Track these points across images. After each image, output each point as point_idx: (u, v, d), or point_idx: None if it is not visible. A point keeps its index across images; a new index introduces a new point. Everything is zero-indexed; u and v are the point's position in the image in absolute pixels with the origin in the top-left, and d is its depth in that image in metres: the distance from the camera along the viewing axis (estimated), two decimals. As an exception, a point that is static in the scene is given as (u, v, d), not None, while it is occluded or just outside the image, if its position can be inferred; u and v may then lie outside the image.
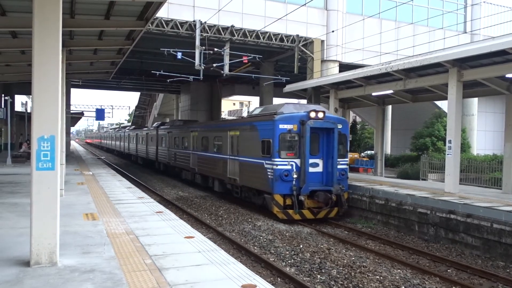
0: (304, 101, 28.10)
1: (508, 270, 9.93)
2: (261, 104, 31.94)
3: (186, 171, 24.96)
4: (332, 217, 14.80)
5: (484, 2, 31.44)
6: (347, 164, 15.67)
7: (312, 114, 14.27)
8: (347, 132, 15.71)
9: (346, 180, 15.44)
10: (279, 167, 14.16)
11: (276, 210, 14.20)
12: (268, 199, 14.72)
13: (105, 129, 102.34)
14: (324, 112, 14.61)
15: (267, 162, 14.63)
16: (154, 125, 36.49)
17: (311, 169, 14.43)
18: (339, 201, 14.54)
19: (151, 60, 31.74)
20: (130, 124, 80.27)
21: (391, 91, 17.91)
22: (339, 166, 14.76)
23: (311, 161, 14.43)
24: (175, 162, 27.04)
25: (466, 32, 31.08)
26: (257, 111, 17.76)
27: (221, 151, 19.14)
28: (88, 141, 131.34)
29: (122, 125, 78.08)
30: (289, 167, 14.23)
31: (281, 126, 14.25)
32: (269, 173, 14.46)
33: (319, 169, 14.78)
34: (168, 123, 33.89)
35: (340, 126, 14.82)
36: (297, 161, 14.30)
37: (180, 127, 27.11)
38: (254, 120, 16.35)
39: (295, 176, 14.19)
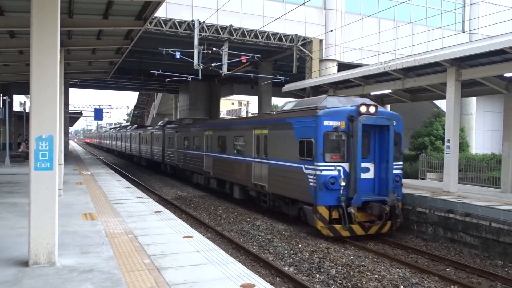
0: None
1: (506, 269, 9.95)
2: (259, 104, 31.93)
3: (198, 175, 22.29)
4: (385, 232, 12.51)
5: (482, 1, 31.47)
6: (401, 169, 13.24)
7: (363, 109, 12.02)
8: (401, 130, 13.22)
9: (401, 188, 13.01)
10: (323, 172, 11.82)
11: (320, 225, 11.87)
12: (308, 212, 12.43)
13: (103, 128, 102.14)
14: (376, 106, 12.41)
15: (307, 166, 12.33)
16: (159, 123, 34.60)
17: (362, 175, 12.10)
18: (392, 213, 12.17)
19: (150, 59, 31.71)
20: (129, 124, 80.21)
21: (389, 91, 17.91)
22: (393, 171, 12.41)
23: (362, 165, 12.11)
24: (185, 165, 24.48)
25: (464, 32, 31.11)
26: (288, 106, 14.99)
27: (244, 153, 16.76)
28: (87, 141, 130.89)
29: (122, 125, 77.87)
30: (336, 172, 11.89)
31: (326, 123, 11.94)
32: (310, 180, 12.14)
33: (370, 175, 12.44)
34: (175, 121, 31.05)
35: (394, 123, 12.47)
36: (345, 165, 12.02)
37: (191, 125, 24.48)
38: (288, 116, 13.79)
39: (343, 183, 11.88)
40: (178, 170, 26.47)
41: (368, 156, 12.47)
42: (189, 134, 24.10)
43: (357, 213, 11.86)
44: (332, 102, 12.94)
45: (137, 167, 36.70)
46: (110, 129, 79.75)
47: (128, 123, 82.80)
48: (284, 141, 13.75)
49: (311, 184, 12.12)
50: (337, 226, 11.82)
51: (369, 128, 12.34)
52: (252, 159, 15.94)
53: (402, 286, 8.52)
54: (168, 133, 28.73)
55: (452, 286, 8.74)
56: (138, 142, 38.32)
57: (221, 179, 19.33)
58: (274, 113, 16.52)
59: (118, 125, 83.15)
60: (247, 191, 16.89)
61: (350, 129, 11.99)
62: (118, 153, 53.61)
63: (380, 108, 12.96)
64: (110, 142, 62.81)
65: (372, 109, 12.20)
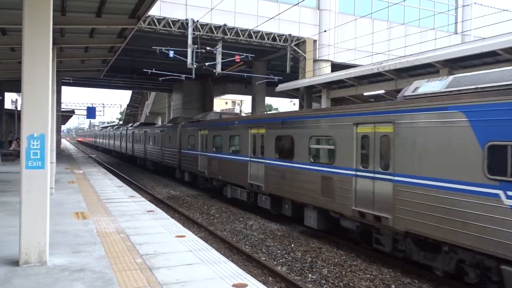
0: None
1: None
2: (253, 103, 31.92)
3: (236, 188, 16.70)
4: None
5: (475, 3, 31.72)
6: None
7: None
8: None
9: None
10: None
11: None
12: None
13: (96, 127, 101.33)
14: None
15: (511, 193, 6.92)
16: (171, 119, 31.72)
17: None
18: None
19: (143, 58, 31.65)
20: (121, 122, 79.78)
21: (382, 91, 18.00)
22: None
23: None
24: (214, 173, 18.93)
25: (457, 33, 31.35)
26: (432, 86, 9.04)
27: (330, 162, 11.31)
28: (80, 139, 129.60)
29: (121, 123, 77.06)
30: None
31: None
32: None
33: None
34: (196, 118, 24.15)
35: None
36: None
37: (226, 121, 18.34)
38: (451, 102, 7.93)
39: None
40: (202, 179, 21.05)
41: None
42: (223, 133, 18.21)
43: None
44: None
45: (132, 167, 36.51)
46: (107, 127, 77.47)
47: (121, 122, 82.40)
48: (437, 146, 8.34)
49: None
50: None
51: None
52: (353, 173, 10.59)
53: (393, 286, 8.56)
54: (187, 132, 22.99)
55: (444, 286, 8.80)
56: (144, 142, 33.63)
57: (279, 196, 13.81)
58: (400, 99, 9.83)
59: (117, 123, 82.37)
60: (332, 218, 11.57)
61: None
62: (117, 154, 48.39)
63: None
64: (108, 141, 57.41)
65: None
